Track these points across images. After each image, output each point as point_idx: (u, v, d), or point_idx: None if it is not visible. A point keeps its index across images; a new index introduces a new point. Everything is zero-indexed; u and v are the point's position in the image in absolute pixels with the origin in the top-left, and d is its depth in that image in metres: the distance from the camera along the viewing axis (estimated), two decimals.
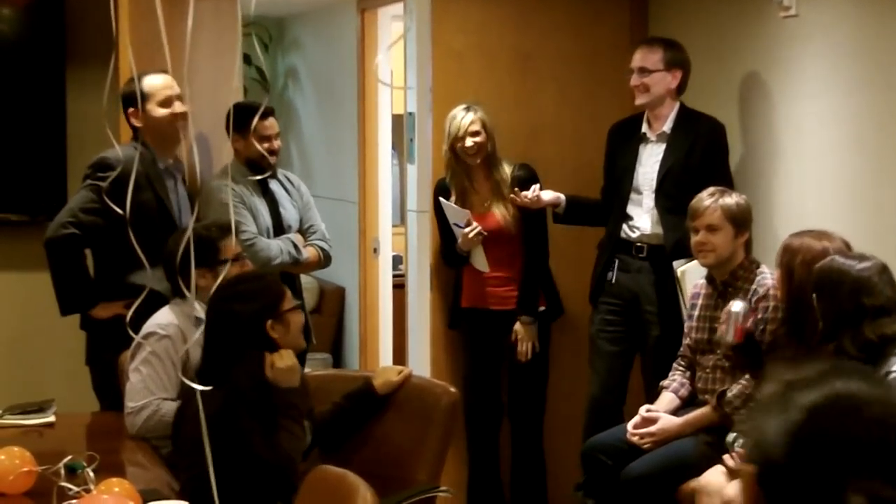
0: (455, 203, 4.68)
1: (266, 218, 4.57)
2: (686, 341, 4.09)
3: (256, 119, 4.29)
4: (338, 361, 6.90)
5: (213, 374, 2.97)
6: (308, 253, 4.64)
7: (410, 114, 5.17)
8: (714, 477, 3.66)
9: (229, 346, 3.17)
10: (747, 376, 3.82)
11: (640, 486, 3.82)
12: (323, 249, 4.70)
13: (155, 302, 3.59)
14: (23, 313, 5.58)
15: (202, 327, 3.21)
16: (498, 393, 4.84)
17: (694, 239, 3.97)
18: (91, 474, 2.93)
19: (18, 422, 3.75)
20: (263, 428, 3.08)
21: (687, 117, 4.42)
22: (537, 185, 4.57)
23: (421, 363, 4.97)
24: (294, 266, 4.60)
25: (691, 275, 4.19)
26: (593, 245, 4.67)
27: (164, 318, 3.71)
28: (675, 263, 4.26)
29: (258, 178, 4.53)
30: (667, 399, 4.06)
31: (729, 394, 3.82)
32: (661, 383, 4.12)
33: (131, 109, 4.28)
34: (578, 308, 4.77)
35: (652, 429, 3.93)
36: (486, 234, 4.61)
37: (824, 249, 3.51)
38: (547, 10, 5.02)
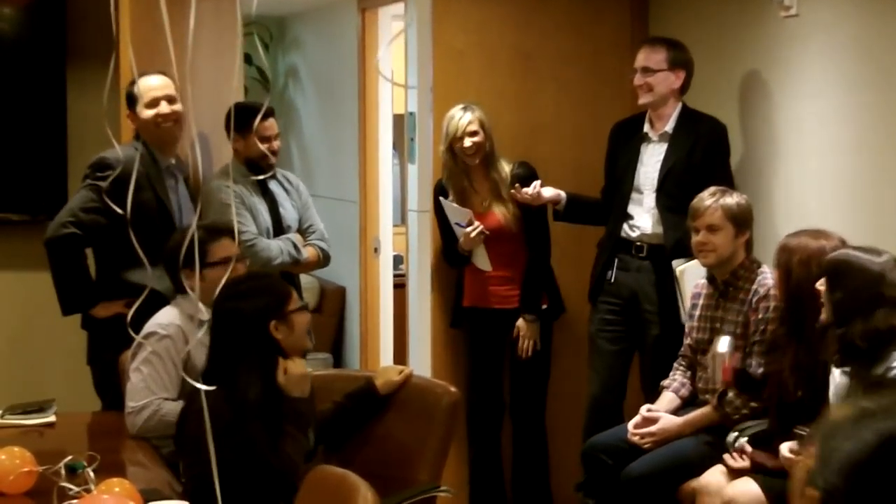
0: (454, 203, 4.68)
1: (266, 218, 4.57)
2: (687, 341, 4.09)
3: (258, 120, 4.29)
4: (338, 361, 6.90)
5: (219, 374, 2.97)
6: (307, 253, 4.64)
7: (411, 114, 5.17)
8: (714, 477, 3.66)
9: (234, 346, 3.16)
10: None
11: (640, 485, 3.82)
12: (322, 249, 4.70)
13: (155, 301, 3.59)
14: (23, 313, 5.59)
15: (204, 328, 3.20)
16: (500, 392, 4.84)
17: (695, 239, 3.97)
18: (91, 474, 2.93)
19: (19, 422, 3.75)
20: (269, 433, 3.07)
21: (689, 117, 4.42)
22: (538, 182, 4.57)
23: (421, 363, 4.97)
24: (294, 266, 4.60)
25: (690, 274, 4.19)
26: (594, 244, 4.68)
27: (165, 317, 3.71)
28: (674, 263, 4.27)
29: (260, 178, 4.53)
30: (667, 399, 4.06)
31: (729, 394, 3.82)
32: (661, 383, 4.12)
33: (128, 111, 4.34)
34: (579, 307, 4.76)
35: (652, 429, 3.93)
36: (487, 233, 4.61)
37: (821, 248, 3.52)
38: (547, 9, 5.02)
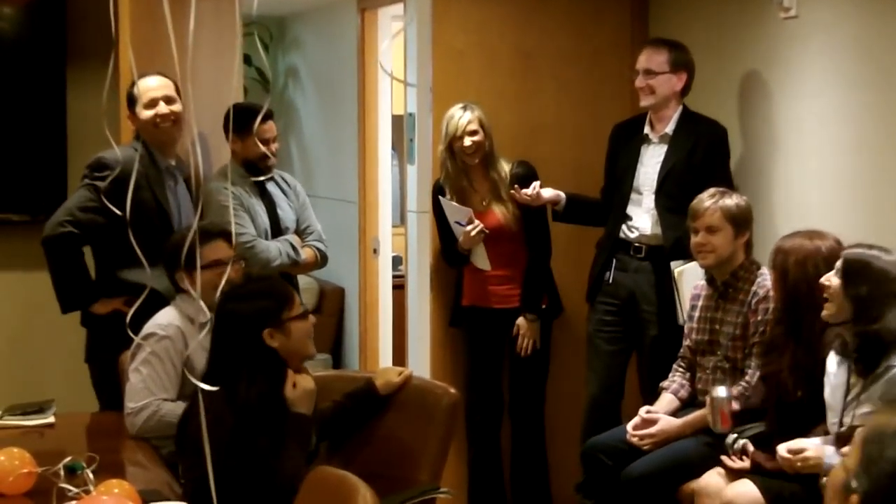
0: (454, 202, 4.68)
1: (264, 219, 4.56)
2: (686, 342, 4.09)
3: (257, 122, 4.29)
4: (337, 362, 6.90)
5: (219, 377, 2.94)
6: (305, 254, 4.64)
7: (410, 114, 5.17)
8: (714, 478, 3.66)
9: (232, 349, 3.14)
10: (747, 378, 3.82)
11: (640, 486, 3.81)
12: (320, 250, 4.70)
13: (153, 301, 3.58)
14: (23, 313, 5.58)
15: (205, 330, 3.19)
16: (499, 391, 4.84)
17: (694, 240, 3.97)
18: (91, 475, 2.93)
19: (18, 423, 3.74)
20: (270, 443, 3.05)
21: (689, 119, 4.42)
22: (537, 183, 4.56)
23: (421, 364, 4.97)
24: (292, 267, 4.60)
25: (689, 275, 4.19)
26: (593, 244, 4.67)
27: (164, 318, 3.71)
28: (672, 264, 4.27)
29: (260, 178, 4.53)
30: (666, 400, 4.05)
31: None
32: (660, 384, 4.12)
33: (128, 112, 4.34)
34: (578, 307, 4.76)
35: (651, 430, 3.93)
36: (487, 231, 4.61)
37: (817, 248, 3.53)
38: (547, 9, 5.02)
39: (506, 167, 4.69)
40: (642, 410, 4.00)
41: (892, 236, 3.62)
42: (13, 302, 5.61)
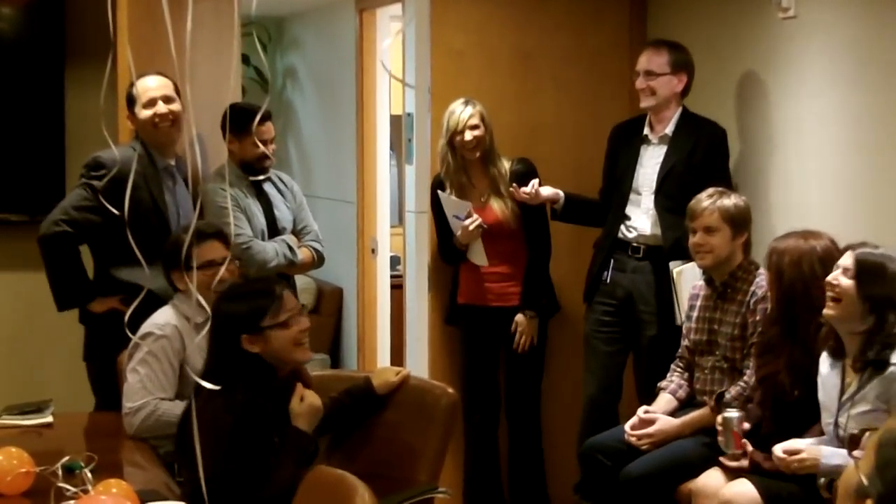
0: (453, 196, 4.67)
1: (260, 219, 4.56)
2: (684, 342, 4.09)
3: (255, 123, 4.29)
4: (336, 362, 6.90)
5: (216, 378, 2.93)
6: (302, 254, 4.64)
7: (409, 114, 5.16)
8: (712, 478, 3.66)
9: (219, 350, 3.13)
10: (746, 378, 3.82)
11: (638, 486, 3.81)
12: (316, 250, 4.70)
13: (149, 301, 3.58)
14: (22, 313, 5.58)
15: (204, 330, 3.18)
16: (496, 389, 4.84)
17: (692, 240, 3.97)
18: (89, 475, 2.93)
19: (17, 422, 3.75)
20: (266, 452, 3.02)
21: (689, 121, 4.42)
22: (536, 181, 4.56)
23: (419, 363, 4.97)
24: (289, 267, 4.60)
25: (687, 276, 4.19)
26: (591, 244, 4.67)
27: (161, 318, 3.71)
28: (671, 264, 4.27)
29: (259, 178, 4.53)
30: (664, 400, 4.05)
31: (727, 395, 3.82)
32: (658, 384, 4.12)
33: (128, 112, 4.34)
34: (576, 307, 4.76)
35: (650, 430, 3.93)
36: (486, 226, 4.61)
37: (812, 248, 3.54)
38: (547, 9, 5.02)
39: (506, 164, 4.69)
40: (640, 410, 4.00)
41: (892, 236, 3.62)
42: (12, 302, 5.61)
